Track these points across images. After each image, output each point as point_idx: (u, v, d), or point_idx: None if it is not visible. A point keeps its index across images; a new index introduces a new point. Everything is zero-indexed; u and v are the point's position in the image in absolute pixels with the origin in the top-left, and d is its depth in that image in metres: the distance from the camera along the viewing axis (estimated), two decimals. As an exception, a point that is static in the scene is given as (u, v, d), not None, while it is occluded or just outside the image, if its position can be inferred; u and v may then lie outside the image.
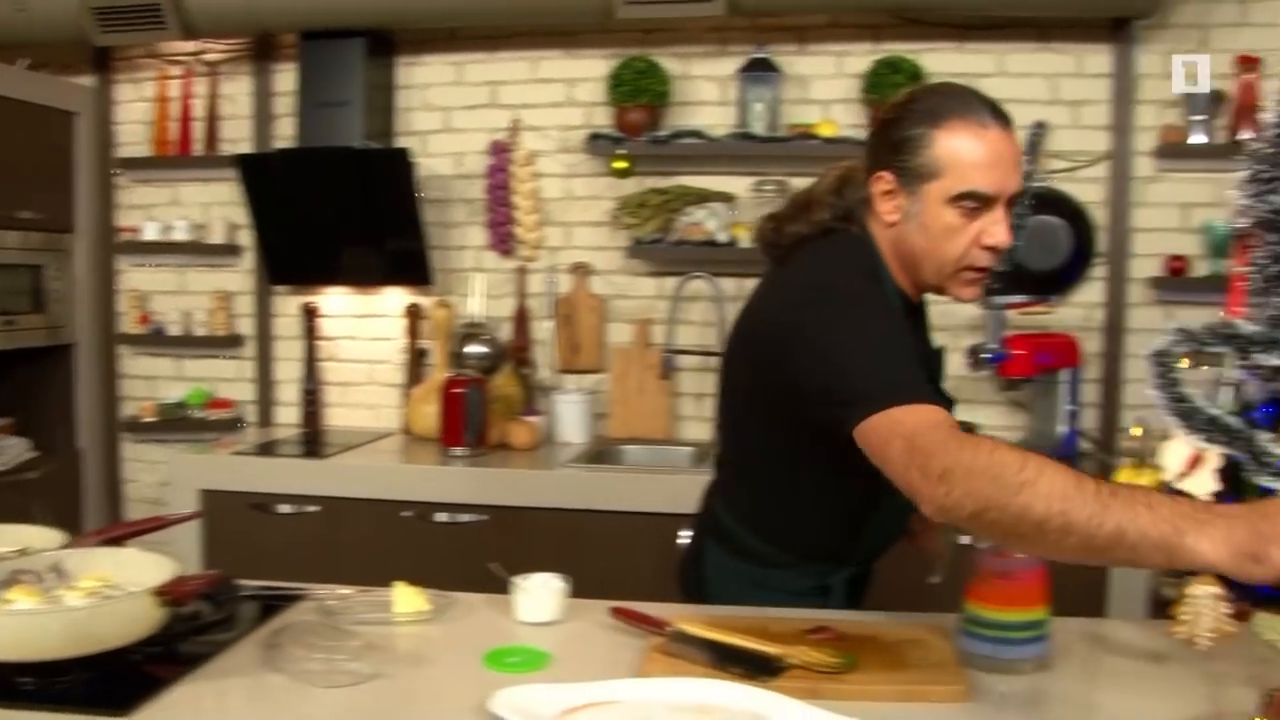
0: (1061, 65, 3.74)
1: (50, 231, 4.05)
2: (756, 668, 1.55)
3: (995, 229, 1.74)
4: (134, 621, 1.52)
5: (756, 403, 1.87)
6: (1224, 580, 1.64)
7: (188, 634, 1.70)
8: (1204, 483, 1.33)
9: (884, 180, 1.79)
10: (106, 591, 1.61)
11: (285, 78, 4.11)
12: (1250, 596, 2.95)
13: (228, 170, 4.00)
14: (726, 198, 3.83)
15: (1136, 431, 1.65)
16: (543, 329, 4.06)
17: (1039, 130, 3.66)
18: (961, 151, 1.71)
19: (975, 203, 1.72)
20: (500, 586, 1.88)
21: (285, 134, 4.13)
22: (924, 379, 1.60)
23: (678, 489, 3.18)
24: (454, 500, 3.43)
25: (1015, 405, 3.78)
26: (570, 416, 3.90)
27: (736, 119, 3.80)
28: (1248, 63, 3.51)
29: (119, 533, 1.97)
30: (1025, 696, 1.56)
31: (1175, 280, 3.63)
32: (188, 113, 4.19)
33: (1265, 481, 1.54)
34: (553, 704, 1.41)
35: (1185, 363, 1.52)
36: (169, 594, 1.57)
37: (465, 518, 3.41)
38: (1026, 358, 3.43)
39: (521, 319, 4.05)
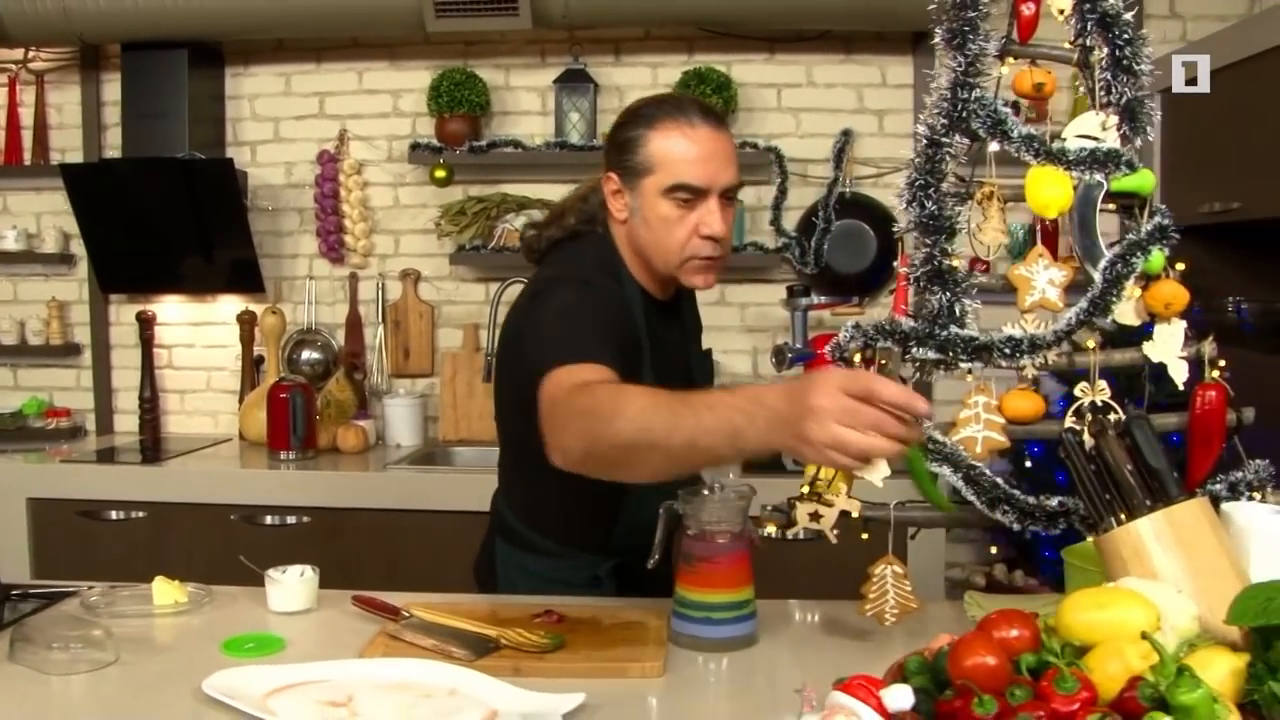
0: (866, 76, 3.92)
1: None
2: (472, 648, 1.66)
3: (710, 219, 1.89)
4: None
5: (515, 398, 1.94)
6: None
7: (-56, 632, 1.76)
8: (881, 470, 1.44)
9: (612, 181, 1.96)
10: None
11: (114, 87, 4.10)
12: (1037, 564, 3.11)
13: (58, 179, 3.99)
14: (546, 205, 3.91)
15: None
16: (374, 335, 4.13)
17: (845, 138, 3.84)
18: (671, 148, 1.87)
19: (688, 194, 1.88)
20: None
21: (117, 144, 4.12)
22: (605, 343, 1.71)
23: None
24: (279, 503, 3.49)
25: (830, 402, 3.92)
26: (401, 420, 3.97)
27: (555, 128, 3.90)
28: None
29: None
30: (725, 673, 1.67)
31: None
32: (15, 121, 4.17)
33: (934, 468, 1.69)
34: (263, 684, 1.50)
35: (858, 357, 1.65)
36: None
37: (292, 519, 3.48)
38: (831, 356, 3.58)
39: (353, 325, 4.13)
